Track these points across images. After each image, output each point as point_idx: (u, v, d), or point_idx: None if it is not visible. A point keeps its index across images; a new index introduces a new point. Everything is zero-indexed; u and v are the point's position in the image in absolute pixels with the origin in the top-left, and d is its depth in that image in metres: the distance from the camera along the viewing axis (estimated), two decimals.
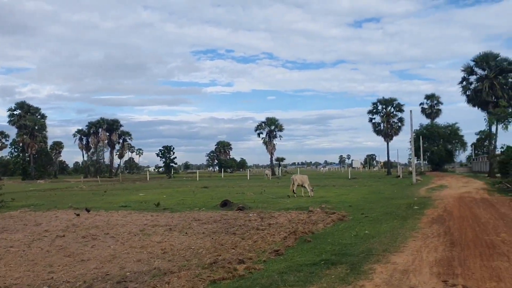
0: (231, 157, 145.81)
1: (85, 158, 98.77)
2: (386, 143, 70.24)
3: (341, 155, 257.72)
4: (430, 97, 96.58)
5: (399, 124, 70.10)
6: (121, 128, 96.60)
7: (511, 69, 50.04)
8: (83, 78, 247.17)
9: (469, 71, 51.77)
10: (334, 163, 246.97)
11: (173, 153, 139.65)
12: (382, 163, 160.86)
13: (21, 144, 77.13)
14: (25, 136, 75.76)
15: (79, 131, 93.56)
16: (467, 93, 52.34)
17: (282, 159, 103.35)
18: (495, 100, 50.33)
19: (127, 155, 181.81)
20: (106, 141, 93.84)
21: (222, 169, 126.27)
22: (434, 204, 19.10)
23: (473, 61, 51.38)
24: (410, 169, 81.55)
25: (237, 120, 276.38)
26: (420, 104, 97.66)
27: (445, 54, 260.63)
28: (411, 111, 41.29)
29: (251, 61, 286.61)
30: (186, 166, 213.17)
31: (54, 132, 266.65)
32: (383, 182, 46.00)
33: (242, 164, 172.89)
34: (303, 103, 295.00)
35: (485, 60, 50.35)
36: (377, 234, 11.17)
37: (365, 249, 9.23)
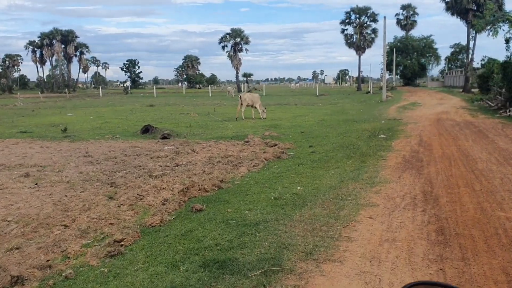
0: (199, 72, 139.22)
1: (42, 72, 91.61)
2: (358, 57, 65.38)
3: (315, 71, 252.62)
4: (406, 7, 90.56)
5: (373, 35, 64.83)
6: (78, 40, 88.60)
7: None
8: None
9: None
10: (307, 79, 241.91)
11: (138, 67, 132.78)
12: (354, 79, 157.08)
13: None
14: None
15: (31, 43, 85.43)
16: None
17: (250, 75, 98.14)
18: (475, 8, 45.38)
19: (93, 69, 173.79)
20: (62, 54, 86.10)
21: (187, 86, 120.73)
22: (405, 130, 14.85)
23: None
24: (382, 84, 77.86)
25: (209, 33, 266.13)
26: (396, 15, 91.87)
27: None
28: (384, 17, 37.19)
29: None
30: (156, 81, 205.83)
31: (17, 44, 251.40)
32: (351, 99, 41.91)
33: (212, 80, 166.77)
34: (278, 16, 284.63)
35: None
36: (313, 195, 6.82)
37: (268, 251, 4.59)
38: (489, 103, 24.73)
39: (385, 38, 35.15)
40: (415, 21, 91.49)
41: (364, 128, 15.74)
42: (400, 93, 49.78)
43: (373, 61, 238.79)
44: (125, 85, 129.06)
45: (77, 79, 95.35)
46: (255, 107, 22.11)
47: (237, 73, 72.30)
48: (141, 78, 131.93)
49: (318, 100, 41.25)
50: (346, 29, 64.82)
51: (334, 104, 33.41)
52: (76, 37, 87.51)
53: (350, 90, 71.52)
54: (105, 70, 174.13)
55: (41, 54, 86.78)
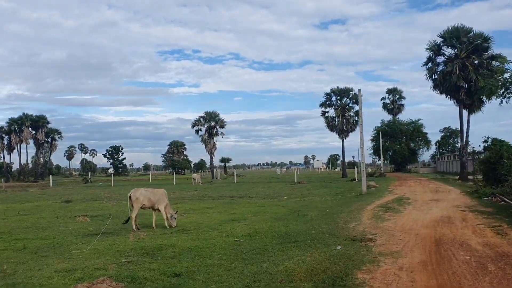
0: (185, 157, 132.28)
1: (9, 159, 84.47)
2: (341, 141, 58.48)
3: (306, 156, 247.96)
4: (392, 91, 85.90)
5: (356, 118, 58.35)
6: (50, 125, 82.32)
7: (486, 47, 38.87)
8: (44, 78, 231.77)
9: (436, 49, 40.18)
10: (300, 164, 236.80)
11: (122, 153, 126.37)
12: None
13: None
14: None
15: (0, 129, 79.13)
16: (434, 76, 40.78)
17: (228, 160, 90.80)
18: (465, 85, 39.00)
19: (79, 156, 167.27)
20: (31, 140, 79.40)
21: (170, 172, 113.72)
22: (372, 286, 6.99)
23: (441, 37, 39.92)
24: (369, 169, 70.49)
25: None
26: (382, 99, 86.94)
27: (408, 56, 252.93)
28: (359, 89, 30.39)
29: (217, 62, 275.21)
30: (146, 167, 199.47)
31: None
32: (329, 188, 34.19)
33: (201, 165, 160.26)
34: (270, 104, 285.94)
35: (455, 35, 38.93)
36: None
37: None
38: (507, 200, 16.94)
39: (361, 114, 28.09)
40: (402, 105, 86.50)
41: (291, 268, 7.77)
42: (388, 181, 42.10)
43: (357, 142, 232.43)
44: (108, 171, 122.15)
45: (42, 165, 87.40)
46: (158, 209, 14.24)
47: (211, 157, 65.36)
48: (123, 165, 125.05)
49: (291, 190, 33.48)
50: (327, 112, 58.58)
51: (303, 197, 25.62)
52: (47, 122, 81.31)
53: (335, 176, 63.94)
54: (93, 157, 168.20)
55: (9, 140, 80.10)
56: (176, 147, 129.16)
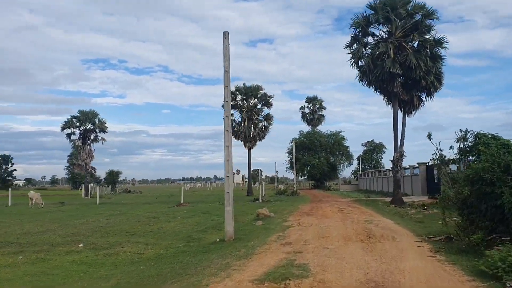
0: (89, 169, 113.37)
1: None
2: (247, 150, 45.45)
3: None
4: (312, 100, 74.88)
5: (265, 123, 45.83)
6: None
7: (429, 26, 27.66)
8: None
9: (364, 24, 28.32)
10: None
11: (12, 164, 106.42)
12: (268, 178, 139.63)
13: None
14: None
15: None
16: (361, 62, 28.97)
17: (118, 173, 75.16)
18: (402, 73, 27.34)
19: None
20: None
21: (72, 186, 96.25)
22: None
23: (371, 8, 28.13)
24: (282, 186, 58.16)
25: (129, 133, 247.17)
26: (301, 108, 75.66)
27: (331, 77, 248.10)
28: (226, 32, 15.38)
29: (145, 73, 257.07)
30: (53, 181, 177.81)
31: None
32: (203, 218, 21.04)
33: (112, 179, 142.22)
34: (198, 118, 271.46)
35: (390, 5, 27.52)
36: None
37: None
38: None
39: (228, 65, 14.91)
40: (323, 116, 75.63)
41: None
42: (296, 203, 29.43)
43: (282, 158, 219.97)
44: None
45: None
46: None
47: (86, 169, 50.04)
48: (13, 177, 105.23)
49: (135, 220, 20.02)
50: (232, 114, 45.43)
51: (109, 248, 12.15)
52: None
53: (241, 194, 50.59)
54: None
55: None
56: (77, 159, 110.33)
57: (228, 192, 12.06)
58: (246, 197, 41.43)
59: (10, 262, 9.95)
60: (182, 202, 32.25)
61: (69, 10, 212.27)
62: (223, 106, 44.53)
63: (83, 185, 50.34)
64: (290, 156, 65.42)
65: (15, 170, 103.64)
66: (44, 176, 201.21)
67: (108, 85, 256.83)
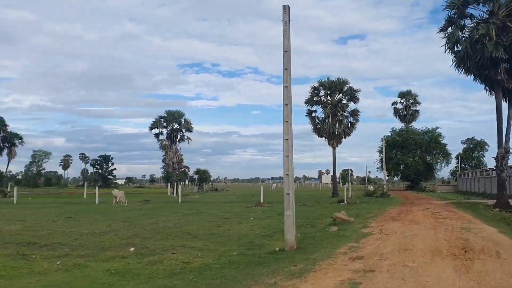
0: (182, 169, 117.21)
1: None
2: (332, 148, 43.05)
3: (320, 170, 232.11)
4: (405, 94, 70.07)
5: (352, 119, 43.10)
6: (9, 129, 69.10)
7: None
8: (67, 89, 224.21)
9: (460, 4, 24.79)
10: (314, 178, 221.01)
11: (112, 163, 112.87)
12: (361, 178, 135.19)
13: None
14: None
15: None
16: (457, 47, 25.35)
17: (205, 172, 75.81)
18: (506, 58, 23.43)
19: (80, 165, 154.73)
20: None
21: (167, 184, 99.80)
22: None
23: None
24: (371, 187, 54.53)
25: (222, 134, 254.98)
26: (393, 104, 71.17)
27: (428, 72, 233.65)
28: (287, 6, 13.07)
29: (236, 76, 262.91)
30: (152, 179, 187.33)
31: (35, 142, 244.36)
32: (276, 220, 19.43)
33: (205, 177, 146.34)
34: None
35: None
36: None
37: None
38: None
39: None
40: (417, 111, 70.40)
41: None
42: (383, 206, 26.71)
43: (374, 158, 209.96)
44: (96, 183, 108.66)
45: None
46: None
47: (173, 168, 50.62)
48: (114, 176, 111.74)
49: (210, 220, 19.04)
50: (314, 111, 43.31)
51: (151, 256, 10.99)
52: (5, 125, 68.16)
53: (327, 195, 48.12)
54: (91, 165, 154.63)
55: None
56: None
57: (288, 194, 10.24)
58: (330, 198, 39.15)
59: (44, 268, 9.04)
60: (261, 202, 30.93)
61: (166, 18, 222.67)
62: (305, 103, 42.84)
63: (169, 184, 51.22)
64: (381, 155, 61.61)
65: (115, 169, 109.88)
66: (145, 175, 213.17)
67: (202, 88, 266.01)
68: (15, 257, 10.08)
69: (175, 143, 49.00)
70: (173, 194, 44.75)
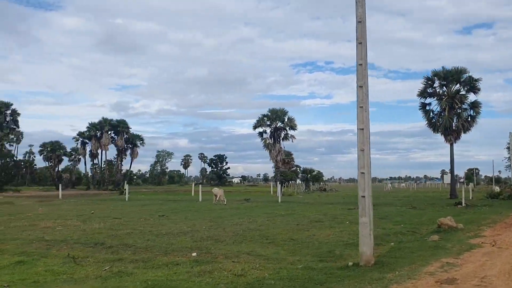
0: (293, 168, 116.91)
1: (91, 166, 78.48)
2: (449, 145, 38.69)
3: (443, 169, 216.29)
4: None
5: (472, 112, 38.26)
6: (131, 131, 74.18)
7: None
8: (189, 94, 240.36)
9: None
10: (437, 178, 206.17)
11: (226, 163, 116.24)
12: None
13: None
14: None
15: (80, 134, 73.05)
16: None
17: (312, 171, 73.38)
18: None
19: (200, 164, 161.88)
20: (108, 145, 71.99)
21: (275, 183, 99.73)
22: None
23: None
24: (497, 188, 48.05)
25: (336, 132, 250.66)
26: None
27: None
28: None
29: (351, 72, 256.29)
30: (265, 178, 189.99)
31: (163, 144, 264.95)
32: (375, 225, 17.25)
33: (317, 177, 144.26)
34: (406, 115, 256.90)
35: None
36: None
37: None
38: None
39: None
40: None
41: None
42: (506, 211, 22.72)
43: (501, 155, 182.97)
44: (211, 181, 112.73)
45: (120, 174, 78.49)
46: None
47: (277, 167, 49.48)
48: (228, 175, 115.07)
49: (288, 224, 17.58)
50: (428, 104, 39.26)
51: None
52: (128, 128, 73.32)
53: (444, 196, 43.45)
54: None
55: (98, 145, 73.31)
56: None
57: (364, 196, 8.35)
58: (447, 200, 35.10)
59: (86, 275, 8.34)
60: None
61: (279, 20, 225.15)
62: (418, 95, 39.03)
63: (271, 183, 50.52)
64: (509, 152, 54.43)
65: (228, 168, 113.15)
66: (259, 174, 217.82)
67: (316, 87, 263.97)
68: (66, 260, 9.58)
69: (279, 142, 48.08)
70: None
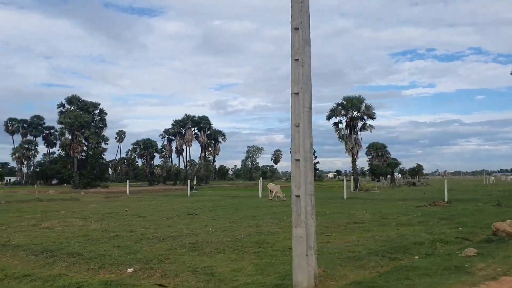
0: (390, 160, 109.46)
1: (187, 161, 79.66)
2: None
3: None
4: None
5: None
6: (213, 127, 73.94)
7: None
8: (284, 89, 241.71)
9: None
10: None
11: (315, 157, 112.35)
12: None
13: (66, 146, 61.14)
14: (65, 137, 59.70)
15: (166, 132, 74.41)
16: None
17: (396, 164, 66.82)
18: None
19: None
20: (191, 141, 72.50)
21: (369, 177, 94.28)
22: None
23: None
24: None
25: (440, 123, 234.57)
26: None
27: None
28: None
29: (455, 59, 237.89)
30: (338, 172, 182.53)
31: (260, 140, 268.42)
32: (429, 226, 13.73)
33: (417, 170, 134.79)
34: None
35: None
36: None
37: None
38: None
39: None
40: None
41: None
42: None
43: None
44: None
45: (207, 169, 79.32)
46: None
47: (353, 158, 45.20)
48: (317, 169, 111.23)
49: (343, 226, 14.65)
50: None
51: None
52: (210, 124, 73.24)
53: None
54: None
55: (182, 141, 74.49)
56: (375, 150, 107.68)
57: (299, 196, 5.37)
58: None
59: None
60: (439, 200, 24.17)
61: (376, 9, 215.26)
62: None
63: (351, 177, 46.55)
64: None
65: (318, 163, 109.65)
66: (363, 167, 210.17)
67: (417, 76, 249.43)
68: None
69: (355, 133, 43.99)
70: (351, 189, 40.06)
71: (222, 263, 8.80)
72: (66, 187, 60.89)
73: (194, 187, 45.34)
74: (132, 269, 8.15)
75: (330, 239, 11.80)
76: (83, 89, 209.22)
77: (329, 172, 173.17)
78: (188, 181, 38.14)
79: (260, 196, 32.48)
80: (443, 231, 12.94)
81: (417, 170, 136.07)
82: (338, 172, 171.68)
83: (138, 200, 30.80)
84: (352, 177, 43.69)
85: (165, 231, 13.46)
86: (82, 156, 60.34)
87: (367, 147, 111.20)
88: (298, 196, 5.29)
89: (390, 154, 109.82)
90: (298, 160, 5.31)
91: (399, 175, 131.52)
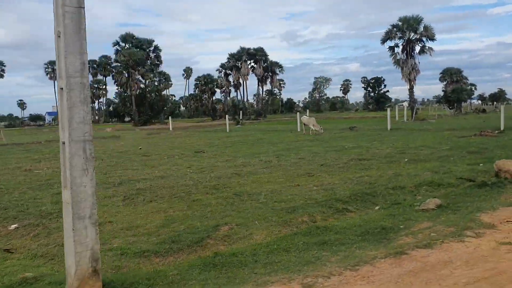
0: (467, 87, 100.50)
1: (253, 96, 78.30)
2: None
3: None
4: None
5: None
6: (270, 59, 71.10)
7: None
8: (358, 14, 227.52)
9: None
10: None
11: (385, 85, 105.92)
12: None
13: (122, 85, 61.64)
14: (121, 75, 59.99)
15: (222, 66, 72.77)
16: None
17: (462, 90, 59.87)
18: None
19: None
20: (248, 76, 70.49)
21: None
22: None
23: None
24: None
25: None
26: None
27: None
28: None
29: None
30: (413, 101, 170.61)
31: (333, 70, 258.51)
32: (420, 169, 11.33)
33: (498, 96, 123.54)
34: None
35: None
36: None
37: None
38: None
39: None
40: None
41: None
42: None
43: None
44: (369, 106, 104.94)
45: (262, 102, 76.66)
46: None
47: (411, 87, 40.82)
48: (386, 98, 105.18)
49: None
50: None
51: None
52: (266, 55, 70.36)
53: None
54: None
55: (239, 75, 72.95)
56: (450, 75, 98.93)
57: (64, 143, 3.60)
58: None
59: None
60: (488, 130, 20.86)
61: None
62: None
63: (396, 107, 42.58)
64: None
65: (387, 91, 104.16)
66: (438, 95, 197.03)
67: None
68: None
69: (412, 56, 39.52)
70: (405, 118, 36.60)
71: (135, 216, 7.39)
72: (129, 124, 62.65)
73: (241, 121, 44.18)
74: (16, 225, 6.97)
75: (306, 181, 9.96)
76: (154, 27, 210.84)
77: (404, 101, 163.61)
78: (227, 116, 36.89)
79: (298, 130, 30.48)
80: (456, 168, 10.59)
81: (498, 96, 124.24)
82: (413, 101, 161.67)
83: (174, 137, 30.14)
84: (408, 105, 39.95)
85: (139, 174, 12.29)
86: (141, 93, 60.95)
87: (440, 73, 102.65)
88: (63, 142, 3.54)
89: (467, 79, 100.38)
90: (62, 88, 3.50)
91: (479, 101, 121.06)
